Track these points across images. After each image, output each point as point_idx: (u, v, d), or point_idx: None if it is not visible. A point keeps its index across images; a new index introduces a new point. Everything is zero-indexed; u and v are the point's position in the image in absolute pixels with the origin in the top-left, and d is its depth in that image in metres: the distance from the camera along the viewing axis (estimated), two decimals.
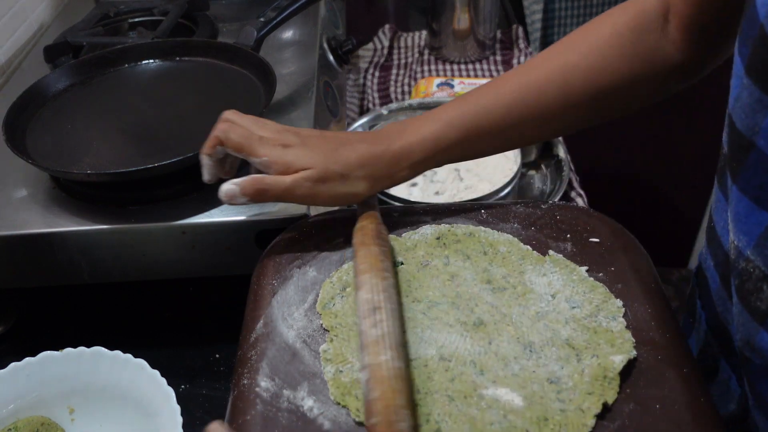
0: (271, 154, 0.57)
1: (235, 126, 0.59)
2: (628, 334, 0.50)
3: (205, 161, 0.60)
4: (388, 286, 0.51)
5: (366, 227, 0.57)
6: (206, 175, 0.61)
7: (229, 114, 0.60)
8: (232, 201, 0.57)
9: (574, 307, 0.52)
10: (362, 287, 0.50)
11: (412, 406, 0.45)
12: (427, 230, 0.61)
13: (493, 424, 0.44)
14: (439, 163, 0.61)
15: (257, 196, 0.57)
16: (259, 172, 0.58)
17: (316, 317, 0.53)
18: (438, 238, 0.60)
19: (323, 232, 0.61)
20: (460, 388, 0.46)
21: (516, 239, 0.59)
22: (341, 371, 0.49)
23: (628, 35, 0.58)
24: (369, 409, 0.42)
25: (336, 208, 0.66)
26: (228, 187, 0.57)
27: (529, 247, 0.58)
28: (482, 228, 0.60)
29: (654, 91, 0.62)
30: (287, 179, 0.56)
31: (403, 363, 0.45)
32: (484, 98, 0.60)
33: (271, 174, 0.57)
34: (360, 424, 0.45)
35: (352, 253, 0.56)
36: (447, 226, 0.61)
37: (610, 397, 0.46)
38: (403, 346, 0.47)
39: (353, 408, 0.46)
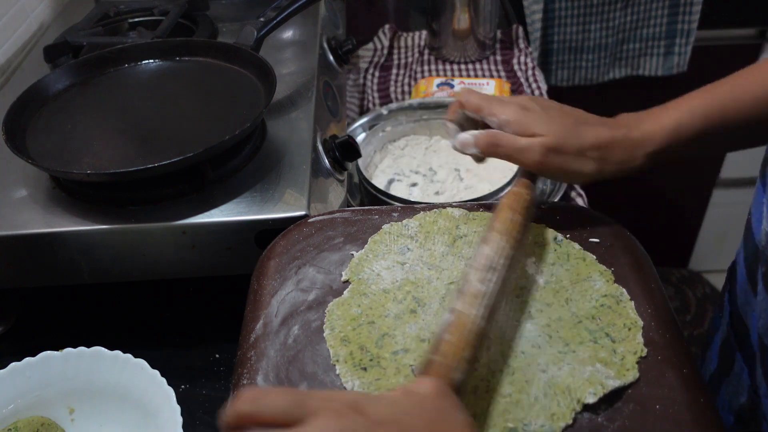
0: (510, 114, 0.57)
1: (474, 92, 0.60)
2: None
3: (450, 127, 0.61)
4: (509, 257, 0.51)
5: (521, 195, 0.56)
6: (450, 140, 0.61)
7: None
8: (465, 150, 0.59)
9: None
10: (489, 243, 0.51)
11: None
12: None
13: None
14: (676, 156, 0.59)
15: (489, 148, 0.57)
16: None
17: (316, 317, 0.54)
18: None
19: (323, 232, 0.61)
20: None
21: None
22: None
23: None
24: (437, 347, 0.43)
25: (335, 208, 0.66)
26: (464, 136, 0.58)
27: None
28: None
29: None
30: (522, 140, 0.56)
31: (485, 325, 0.46)
32: (731, 87, 0.57)
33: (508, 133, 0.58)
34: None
35: (496, 209, 0.56)
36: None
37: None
38: (492, 314, 0.48)
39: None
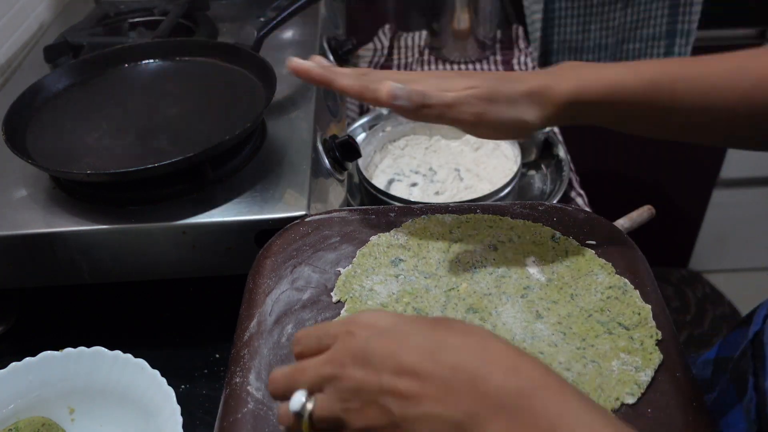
0: (428, 84, 0.53)
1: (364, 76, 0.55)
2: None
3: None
4: None
5: None
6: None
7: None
8: (392, 101, 0.52)
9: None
10: None
11: None
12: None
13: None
14: (611, 116, 0.54)
15: (418, 108, 0.52)
16: None
17: (310, 317, 0.54)
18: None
19: (319, 232, 0.61)
20: None
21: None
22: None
23: None
24: None
25: (335, 208, 0.66)
26: (395, 87, 0.52)
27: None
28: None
29: None
30: (451, 94, 0.52)
31: None
32: (690, 67, 0.53)
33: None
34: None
35: None
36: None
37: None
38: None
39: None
